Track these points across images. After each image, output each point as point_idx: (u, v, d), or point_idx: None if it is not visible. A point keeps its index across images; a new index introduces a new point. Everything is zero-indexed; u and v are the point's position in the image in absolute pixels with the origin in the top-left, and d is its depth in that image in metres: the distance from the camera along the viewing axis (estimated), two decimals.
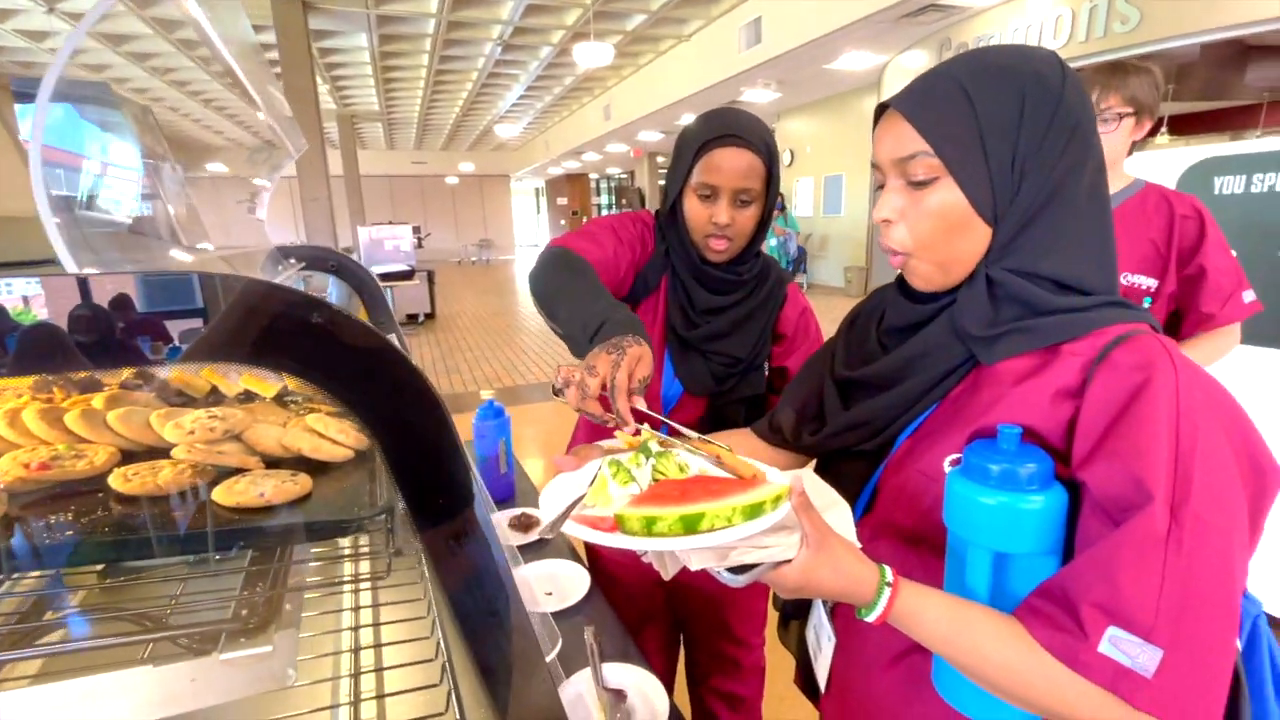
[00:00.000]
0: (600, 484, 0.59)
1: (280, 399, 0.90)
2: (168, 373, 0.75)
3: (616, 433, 0.69)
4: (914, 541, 0.66)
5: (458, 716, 0.55)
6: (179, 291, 0.33)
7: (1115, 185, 1.51)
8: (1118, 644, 0.47)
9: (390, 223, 9.22)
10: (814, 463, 0.83)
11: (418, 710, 0.57)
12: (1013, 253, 0.61)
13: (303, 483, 0.67)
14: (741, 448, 0.85)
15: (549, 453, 4.07)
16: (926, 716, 0.66)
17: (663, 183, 1.17)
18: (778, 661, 1.48)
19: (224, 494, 0.63)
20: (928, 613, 0.55)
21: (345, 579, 0.74)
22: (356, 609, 0.74)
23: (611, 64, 9.73)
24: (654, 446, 0.63)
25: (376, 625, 0.71)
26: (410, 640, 0.67)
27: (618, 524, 0.55)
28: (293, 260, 1.24)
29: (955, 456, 0.61)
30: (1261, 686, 0.57)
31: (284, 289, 0.34)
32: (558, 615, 1.09)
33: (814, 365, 0.86)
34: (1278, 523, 0.51)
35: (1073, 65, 0.62)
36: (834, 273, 10.82)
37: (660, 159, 17.56)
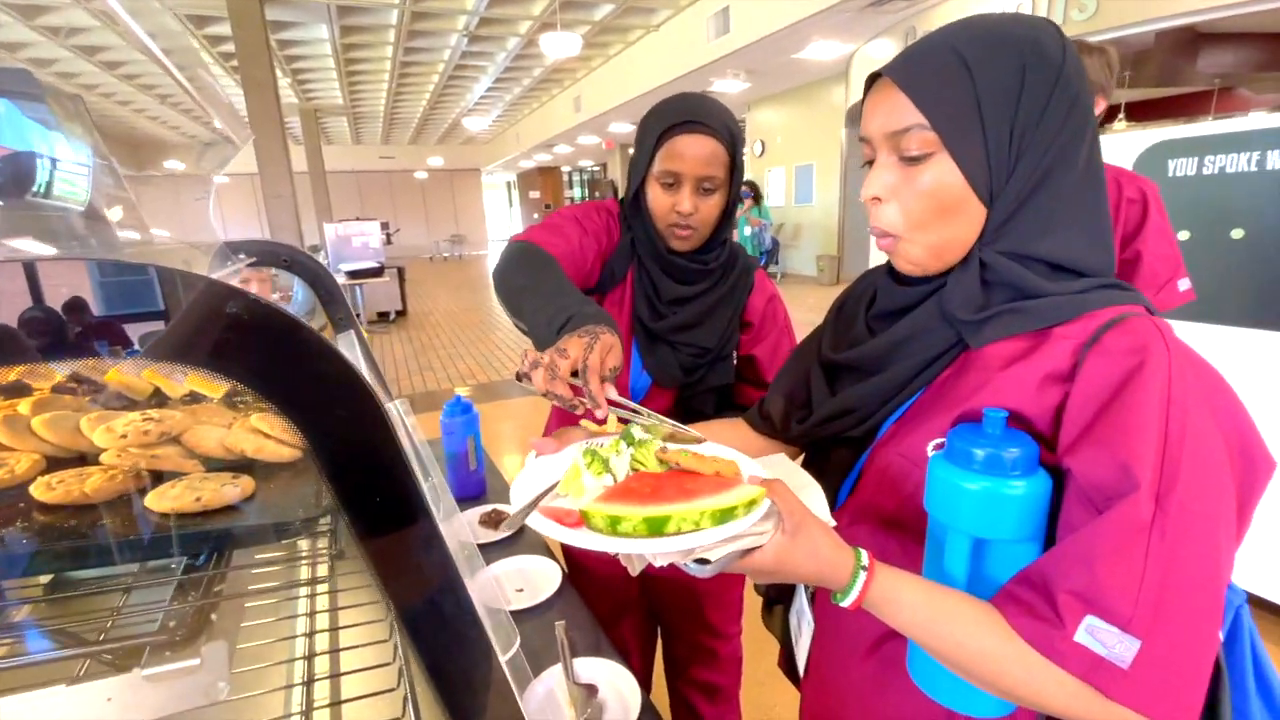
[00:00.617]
0: (574, 473, 0.57)
1: (229, 400, 0.86)
2: (65, 372, 0.71)
3: (583, 421, 0.67)
4: (894, 526, 0.65)
5: None
6: (72, 279, 0.30)
7: None
8: (1094, 633, 0.46)
9: (358, 219, 9.03)
10: (803, 457, 0.82)
11: (375, 716, 0.55)
12: (1007, 234, 0.58)
13: (244, 485, 0.64)
14: (733, 438, 0.84)
15: (525, 448, 4.03)
16: (902, 705, 0.65)
17: None
18: (759, 647, 1.48)
19: (156, 500, 0.60)
20: (903, 598, 0.53)
21: (300, 582, 0.71)
22: (312, 614, 0.71)
23: (580, 55, 9.64)
24: (637, 434, 0.61)
25: (334, 630, 0.69)
26: (368, 644, 0.64)
27: (583, 519, 0.53)
28: (242, 255, 1.19)
29: (939, 440, 0.59)
30: (1242, 678, 0.56)
31: (192, 275, 0.31)
32: (530, 611, 1.07)
33: (803, 351, 0.84)
34: (1266, 506, 0.51)
35: None
36: (806, 262, 10.90)
37: (632, 150, 17.47)
